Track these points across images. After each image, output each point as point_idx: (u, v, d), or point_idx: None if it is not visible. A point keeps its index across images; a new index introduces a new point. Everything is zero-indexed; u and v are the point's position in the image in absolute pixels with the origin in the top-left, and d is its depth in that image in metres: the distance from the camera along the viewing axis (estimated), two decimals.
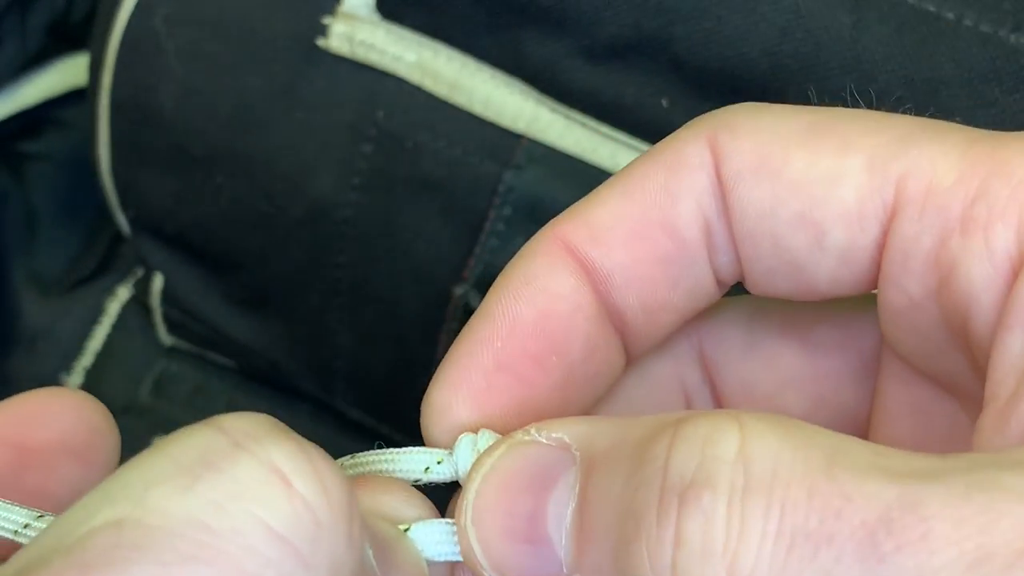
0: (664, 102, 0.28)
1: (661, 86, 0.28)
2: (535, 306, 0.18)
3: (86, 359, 0.40)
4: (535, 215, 0.29)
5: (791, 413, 0.19)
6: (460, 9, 0.29)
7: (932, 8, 0.25)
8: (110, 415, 0.20)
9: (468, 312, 0.29)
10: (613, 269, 0.18)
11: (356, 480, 0.18)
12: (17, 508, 0.16)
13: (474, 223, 0.30)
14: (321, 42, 0.31)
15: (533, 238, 0.18)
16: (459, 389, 0.18)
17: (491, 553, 0.16)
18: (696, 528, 0.13)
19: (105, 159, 0.36)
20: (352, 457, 0.18)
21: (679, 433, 0.14)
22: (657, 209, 0.18)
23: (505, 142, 0.29)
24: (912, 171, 0.16)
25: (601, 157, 0.28)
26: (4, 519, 0.16)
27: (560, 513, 0.15)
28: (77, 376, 0.40)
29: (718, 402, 0.20)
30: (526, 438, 0.16)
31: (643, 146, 0.28)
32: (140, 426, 0.39)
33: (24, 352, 0.40)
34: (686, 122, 0.27)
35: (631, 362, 0.19)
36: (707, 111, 0.27)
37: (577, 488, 0.15)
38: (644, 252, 0.18)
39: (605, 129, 0.28)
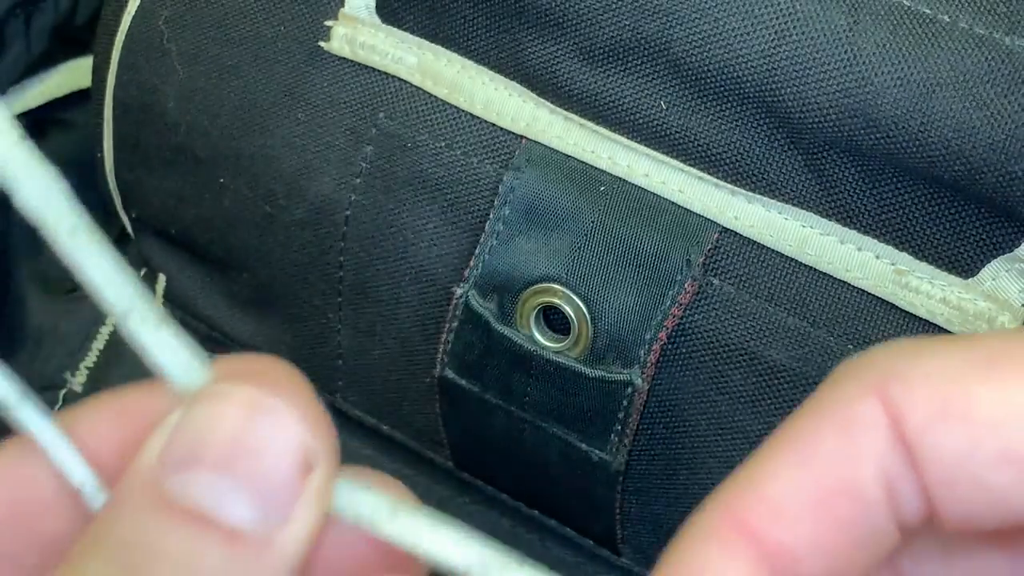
0: (663, 103, 0.28)
1: (659, 88, 0.28)
2: None
3: (90, 358, 0.40)
4: (535, 215, 0.29)
5: None
6: (459, 12, 0.30)
7: (927, 10, 0.25)
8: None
9: (468, 312, 0.30)
10: (797, 544, 0.17)
11: None
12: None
13: (474, 223, 0.30)
14: (323, 44, 0.31)
15: (703, 517, 0.17)
16: None
17: None
18: None
19: (108, 160, 0.36)
20: None
21: None
22: (837, 476, 0.17)
23: (505, 143, 0.29)
24: None
25: (600, 158, 0.28)
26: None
27: None
28: (81, 375, 0.40)
29: None
30: None
31: (642, 147, 0.28)
32: None
33: (29, 351, 0.40)
34: (685, 123, 0.27)
35: None
36: (705, 112, 0.27)
37: None
38: (828, 521, 0.17)
39: (604, 130, 0.28)
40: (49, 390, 0.40)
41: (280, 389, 0.16)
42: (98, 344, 0.40)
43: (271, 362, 0.17)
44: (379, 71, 0.31)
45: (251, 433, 0.16)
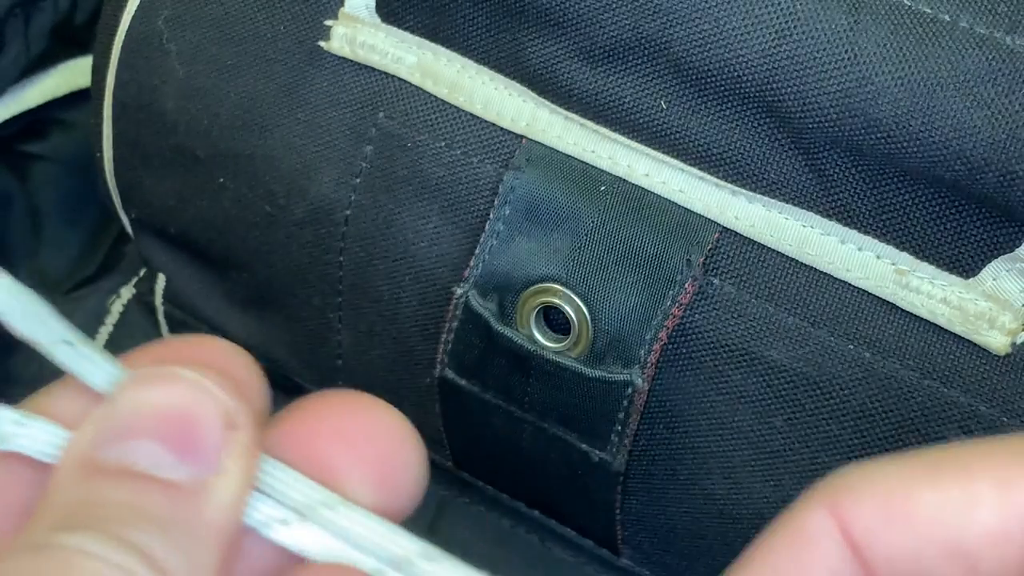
0: (663, 103, 0.28)
1: (660, 87, 0.28)
2: None
3: None
4: (535, 215, 0.29)
5: None
6: (459, 11, 0.30)
7: (928, 10, 0.25)
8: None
9: (468, 312, 0.30)
10: None
11: None
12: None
13: (474, 223, 0.30)
14: (323, 44, 0.31)
15: None
16: None
17: None
18: None
19: (108, 160, 0.36)
20: None
21: None
22: None
23: (505, 143, 0.29)
24: None
25: (600, 158, 0.28)
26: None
27: None
28: None
29: None
30: None
31: (642, 147, 0.28)
32: None
33: (27, 352, 0.40)
34: (686, 123, 0.27)
35: None
36: (705, 112, 0.27)
37: None
38: None
39: (604, 130, 0.28)
40: None
41: (197, 366, 0.19)
42: (97, 344, 0.40)
43: (185, 346, 0.20)
44: (379, 71, 0.31)
45: (171, 403, 0.18)
